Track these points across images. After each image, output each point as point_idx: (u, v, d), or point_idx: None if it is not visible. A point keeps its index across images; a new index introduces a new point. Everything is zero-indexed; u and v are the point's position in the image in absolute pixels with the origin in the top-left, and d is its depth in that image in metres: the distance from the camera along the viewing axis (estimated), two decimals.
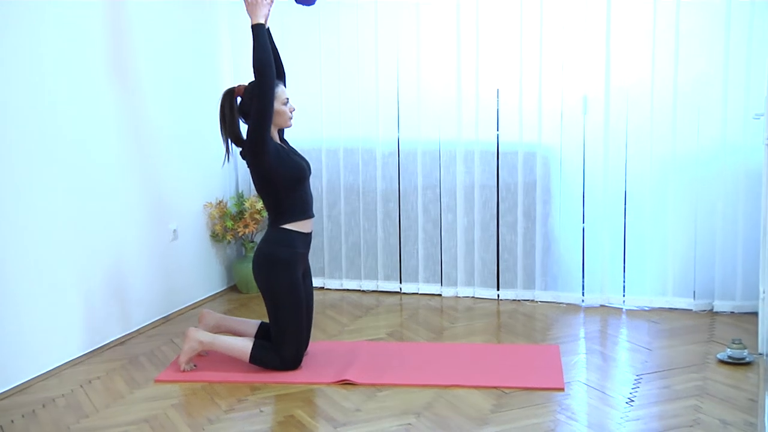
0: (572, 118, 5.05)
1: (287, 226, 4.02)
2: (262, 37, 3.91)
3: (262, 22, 3.94)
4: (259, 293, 5.15)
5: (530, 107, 5.10)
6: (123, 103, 4.61)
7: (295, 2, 4.47)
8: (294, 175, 4.01)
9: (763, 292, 3.98)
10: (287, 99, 4.05)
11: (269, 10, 4.02)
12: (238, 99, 4.04)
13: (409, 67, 5.32)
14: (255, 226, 5.38)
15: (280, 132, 4.17)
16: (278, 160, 3.97)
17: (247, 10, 3.97)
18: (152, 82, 4.84)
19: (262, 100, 3.89)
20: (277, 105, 3.98)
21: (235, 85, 4.08)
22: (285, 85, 4.15)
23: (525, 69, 5.07)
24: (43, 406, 3.74)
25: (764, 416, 3.22)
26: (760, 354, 4.07)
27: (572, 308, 5.09)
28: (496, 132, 5.22)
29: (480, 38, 5.14)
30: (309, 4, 4.50)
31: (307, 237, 4.11)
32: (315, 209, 4.56)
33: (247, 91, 3.98)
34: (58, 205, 4.15)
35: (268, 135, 3.93)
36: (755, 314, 4.38)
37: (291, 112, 4.08)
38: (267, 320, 4.21)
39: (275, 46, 4.14)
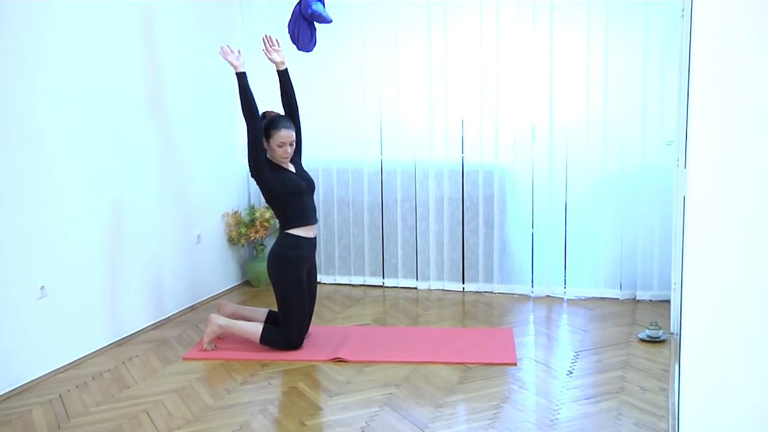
0: (523, 144, 5.07)
1: (292, 232, 4.01)
2: (240, 85, 3.89)
3: (242, 71, 3.92)
4: (268, 286, 5.24)
5: (489, 134, 5.12)
6: (159, 134, 4.62)
7: (296, 49, 4.55)
8: (289, 191, 3.98)
9: (675, 284, 3.99)
10: (283, 143, 3.95)
11: (282, 56, 4.05)
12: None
13: (390, 103, 5.32)
14: (264, 232, 5.37)
15: (295, 154, 4.11)
16: (274, 179, 3.95)
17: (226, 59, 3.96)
18: (180, 118, 4.84)
19: (248, 135, 3.89)
20: (273, 144, 3.95)
21: (268, 110, 4.07)
22: (298, 122, 4.05)
23: (484, 103, 5.10)
24: (93, 378, 3.76)
25: (674, 383, 3.26)
26: (672, 333, 4.10)
27: (523, 298, 5.11)
28: (461, 154, 5.23)
29: (448, 78, 5.16)
30: (308, 51, 4.57)
31: (310, 241, 4.07)
32: None
33: (268, 118, 4.01)
34: (107, 214, 4.16)
35: (260, 160, 3.91)
36: (668, 301, 4.47)
37: (286, 154, 3.99)
38: (274, 309, 4.21)
39: (292, 87, 4.09)
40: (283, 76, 4.10)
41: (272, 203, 4.07)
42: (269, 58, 4.06)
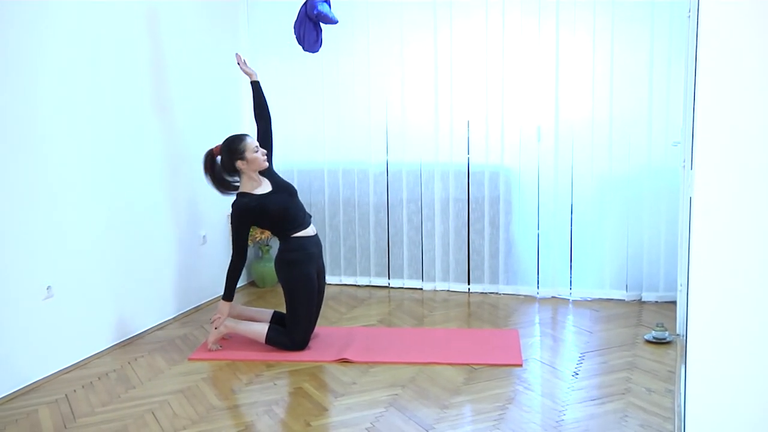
0: (528, 145, 5.07)
1: (295, 235, 4.05)
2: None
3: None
4: (273, 287, 5.27)
5: (495, 135, 5.12)
6: (164, 134, 4.64)
7: (302, 50, 4.56)
8: (280, 214, 4.03)
9: (681, 285, 3.99)
10: (257, 147, 4.01)
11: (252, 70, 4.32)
12: (219, 158, 4.10)
13: (395, 103, 5.32)
14: (269, 233, 5.41)
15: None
16: (266, 220, 4.05)
17: None
18: (186, 119, 4.85)
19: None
20: (249, 154, 3.98)
21: (213, 147, 4.15)
22: (271, 131, 4.21)
23: (490, 105, 5.09)
24: (99, 378, 3.77)
25: (680, 384, 3.25)
26: (678, 335, 4.09)
27: (529, 299, 5.10)
28: (467, 155, 5.23)
29: (453, 80, 5.16)
30: (313, 52, 4.58)
31: (312, 239, 4.10)
32: (318, 219, 4.49)
33: (222, 149, 4.06)
34: (113, 215, 4.18)
35: (242, 230, 4.02)
36: (674, 303, 4.45)
37: (263, 156, 4.02)
38: (279, 309, 4.22)
39: (263, 95, 4.27)
40: (256, 87, 4.30)
41: (264, 228, 4.20)
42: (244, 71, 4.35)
